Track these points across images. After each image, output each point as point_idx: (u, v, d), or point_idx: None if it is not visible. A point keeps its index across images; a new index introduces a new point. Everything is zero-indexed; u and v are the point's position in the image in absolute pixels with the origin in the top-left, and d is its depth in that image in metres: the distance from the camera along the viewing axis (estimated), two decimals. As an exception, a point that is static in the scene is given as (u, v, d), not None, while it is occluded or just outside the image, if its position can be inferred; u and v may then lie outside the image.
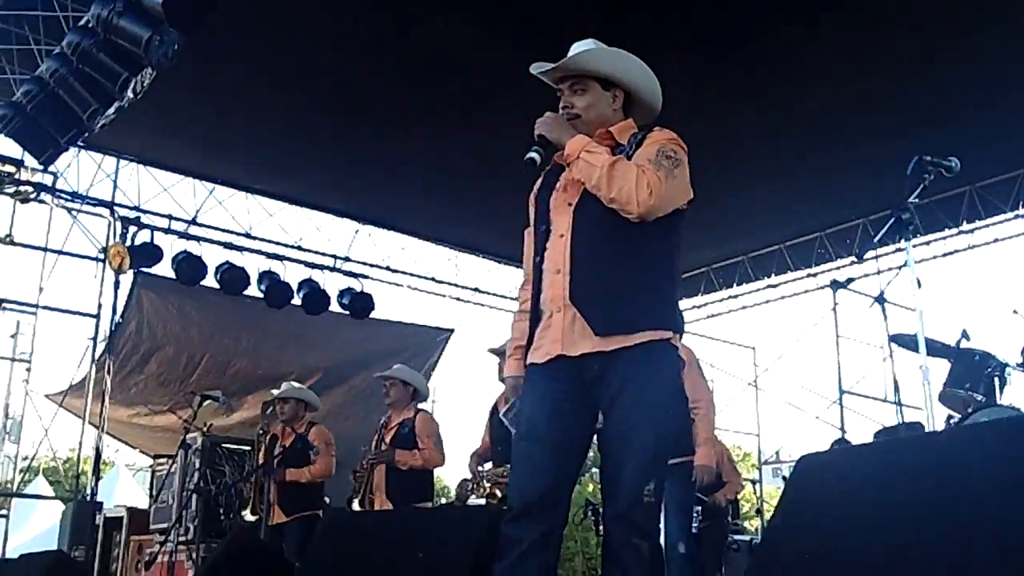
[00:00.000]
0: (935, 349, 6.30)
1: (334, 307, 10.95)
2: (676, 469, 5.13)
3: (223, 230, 10.50)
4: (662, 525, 4.17)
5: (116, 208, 9.79)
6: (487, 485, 6.02)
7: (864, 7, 6.87)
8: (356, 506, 6.62)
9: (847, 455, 2.63)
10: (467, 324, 15.51)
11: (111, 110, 7.05)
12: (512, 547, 2.85)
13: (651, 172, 2.91)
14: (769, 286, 11.94)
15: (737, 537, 8.35)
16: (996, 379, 6.16)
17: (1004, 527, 1.80)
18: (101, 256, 9.59)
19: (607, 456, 2.94)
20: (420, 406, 7.02)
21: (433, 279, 12.24)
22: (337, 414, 10.97)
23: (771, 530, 2.34)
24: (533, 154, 3.01)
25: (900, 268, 4.31)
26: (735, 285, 12.16)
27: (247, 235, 10.64)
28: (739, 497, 9.35)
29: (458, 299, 12.55)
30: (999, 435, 2.11)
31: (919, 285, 5.76)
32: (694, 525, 6.68)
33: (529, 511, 2.88)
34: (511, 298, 12.90)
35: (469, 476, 6.51)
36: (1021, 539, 1.76)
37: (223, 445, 8.95)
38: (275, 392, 7.61)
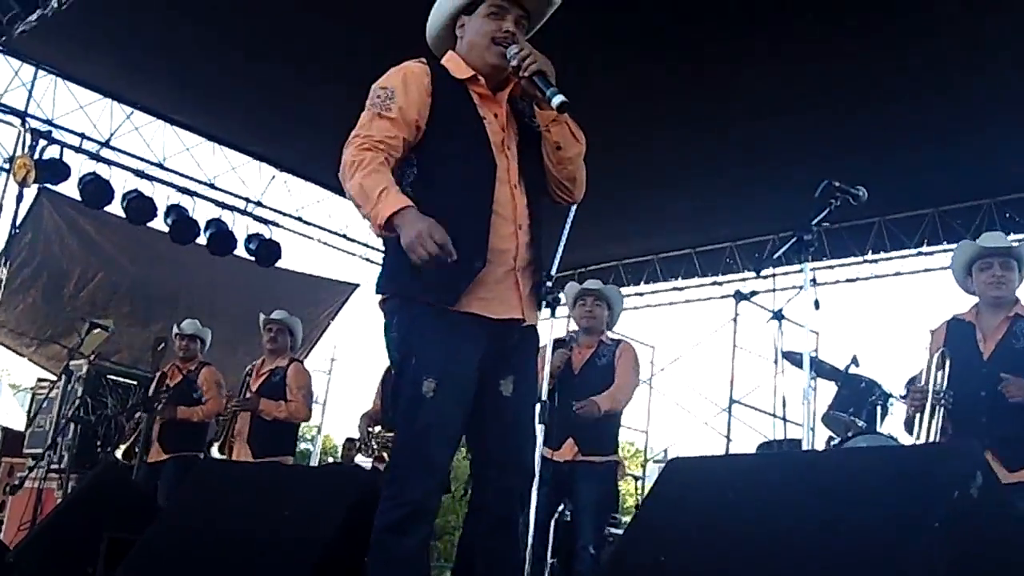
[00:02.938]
0: (824, 371, 6.46)
1: (240, 251, 10.77)
2: (597, 468, 5.13)
3: (135, 157, 10.19)
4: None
5: (28, 119, 9.44)
6: (375, 447, 5.99)
7: (792, 33, 6.96)
8: (216, 451, 6.52)
9: (717, 462, 2.68)
10: (371, 283, 15.36)
11: (33, 16, 6.80)
12: (426, 519, 2.74)
13: None
14: (675, 288, 12.08)
15: (613, 530, 8.44)
16: (879, 407, 6.33)
17: (855, 549, 1.85)
18: (6, 166, 9.26)
19: (511, 425, 2.89)
20: (295, 357, 6.94)
21: (345, 236, 12.11)
22: (229, 357, 10.80)
23: (631, 528, 2.37)
24: (565, 98, 2.77)
25: (801, 288, 4.40)
26: (643, 283, 12.27)
27: (160, 165, 10.35)
28: (621, 489, 9.41)
29: (367, 259, 12.44)
30: (867, 461, 2.18)
31: (817, 306, 5.89)
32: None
33: (442, 484, 2.83)
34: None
35: (357, 436, 6.48)
36: (867, 564, 1.81)
37: (109, 376, 8.76)
38: (176, 329, 7.46)
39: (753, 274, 11.04)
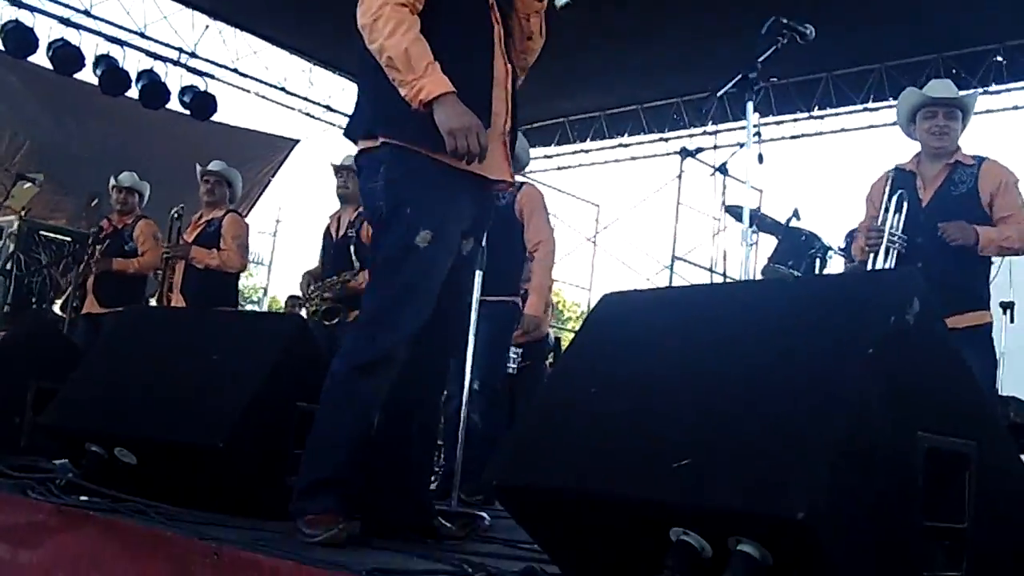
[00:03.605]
0: (765, 225, 6.47)
1: (174, 104, 10.43)
2: (494, 307, 5.08)
3: (61, 4, 9.73)
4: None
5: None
6: (316, 300, 5.91)
7: None
8: (154, 303, 6.43)
9: (650, 295, 2.63)
10: (314, 140, 15.06)
11: None
12: (394, 367, 2.74)
13: None
14: (621, 145, 11.99)
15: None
16: (818, 260, 6.38)
17: (789, 376, 1.83)
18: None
19: (456, 284, 2.93)
20: (233, 208, 6.78)
21: (284, 89, 11.77)
22: (164, 215, 10.55)
23: (563, 360, 2.34)
24: None
25: (742, 146, 4.31)
26: (588, 140, 12.16)
27: (86, 13, 9.90)
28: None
29: (308, 114, 12.14)
30: (804, 290, 2.15)
31: (761, 160, 5.84)
32: (512, 365, 6.75)
33: (415, 336, 2.77)
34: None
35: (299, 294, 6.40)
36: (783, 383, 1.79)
37: (41, 233, 8.55)
38: (113, 181, 7.20)
39: (700, 131, 10.98)
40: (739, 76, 3.75)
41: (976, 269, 4.23)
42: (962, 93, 4.57)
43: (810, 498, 1.58)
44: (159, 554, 2.39)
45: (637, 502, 1.85)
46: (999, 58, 9.10)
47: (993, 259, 4.42)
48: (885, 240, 4.23)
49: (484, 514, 3.63)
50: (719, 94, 3.87)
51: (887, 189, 4.44)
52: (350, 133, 2.95)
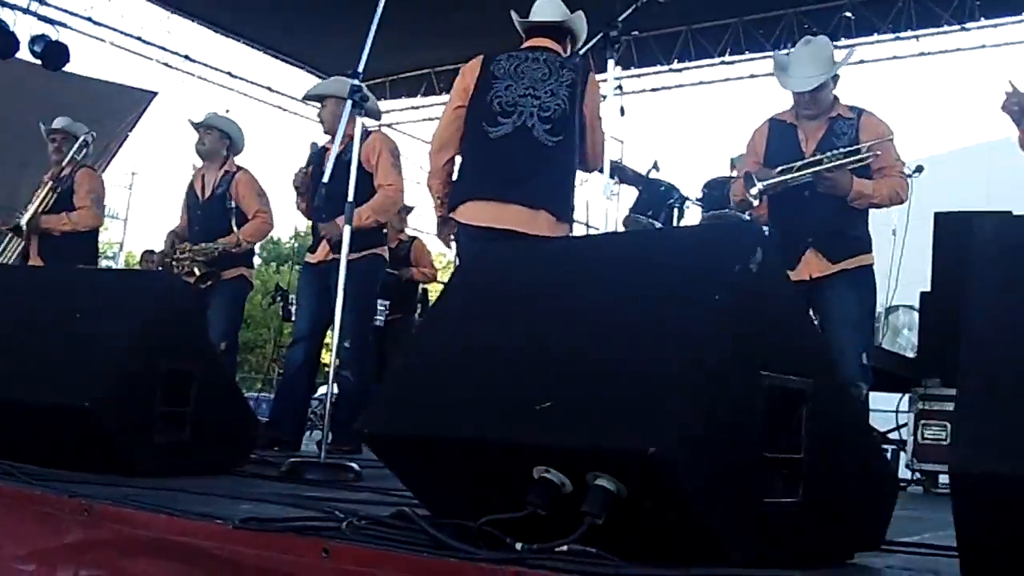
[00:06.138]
0: (626, 176, 6.66)
1: (24, 54, 9.97)
2: (356, 263, 5.10)
3: None
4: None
5: None
6: (186, 263, 5.81)
7: None
8: None
9: (514, 248, 2.73)
10: (173, 92, 14.65)
11: None
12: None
13: None
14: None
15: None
16: (676, 210, 6.61)
17: (642, 325, 1.94)
18: None
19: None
20: (85, 163, 6.50)
21: (140, 39, 11.38)
22: (17, 173, 10.14)
23: (429, 312, 2.41)
24: None
25: (604, 99, 4.41)
26: (445, 93, 12.14)
27: (-77, -45, 9.39)
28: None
29: (166, 64, 11.78)
30: (652, 241, 2.28)
31: (622, 113, 6.00)
32: (379, 318, 6.79)
33: None
34: (223, 71, 12.30)
35: (157, 249, 6.27)
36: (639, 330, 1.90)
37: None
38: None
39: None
40: (600, 35, 3.86)
41: (856, 216, 4.43)
42: (836, 49, 4.72)
43: (660, 434, 1.71)
44: (28, 513, 2.39)
45: (502, 444, 1.96)
46: (848, 14, 9.48)
47: None
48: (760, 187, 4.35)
49: (354, 464, 3.71)
50: (582, 51, 3.97)
51: (767, 140, 4.62)
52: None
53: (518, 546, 1.87)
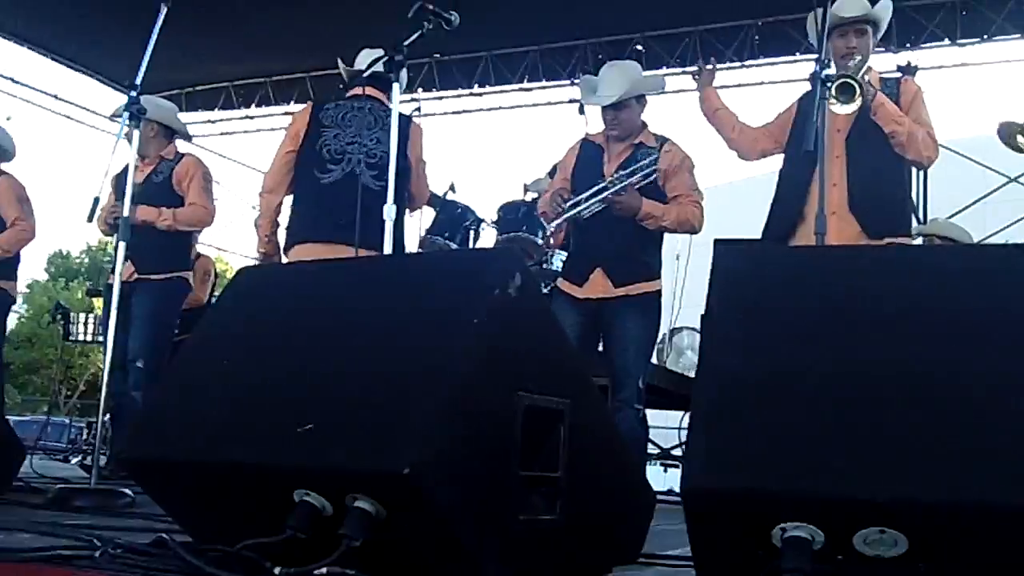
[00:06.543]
0: (424, 197, 6.70)
1: None
2: (154, 284, 5.04)
3: None
4: None
5: None
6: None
7: None
8: None
9: (284, 270, 2.72)
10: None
11: None
12: None
13: None
14: (287, 113, 11.85)
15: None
16: (472, 232, 6.71)
17: (407, 345, 1.97)
18: None
19: None
20: None
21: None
22: None
23: (195, 335, 2.36)
24: None
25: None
26: (253, 106, 11.93)
27: None
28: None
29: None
30: (425, 264, 2.32)
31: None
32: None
33: None
34: (6, 77, 11.62)
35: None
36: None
37: None
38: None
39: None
40: (386, 57, 3.89)
41: (647, 241, 4.52)
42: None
43: (415, 454, 1.74)
44: None
45: (263, 468, 1.94)
46: (639, 47, 9.85)
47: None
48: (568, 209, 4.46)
49: (127, 490, 3.59)
50: (365, 73, 4.00)
51: (576, 158, 4.74)
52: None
53: (277, 571, 1.87)
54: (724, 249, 1.96)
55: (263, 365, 2.07)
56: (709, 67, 4.46)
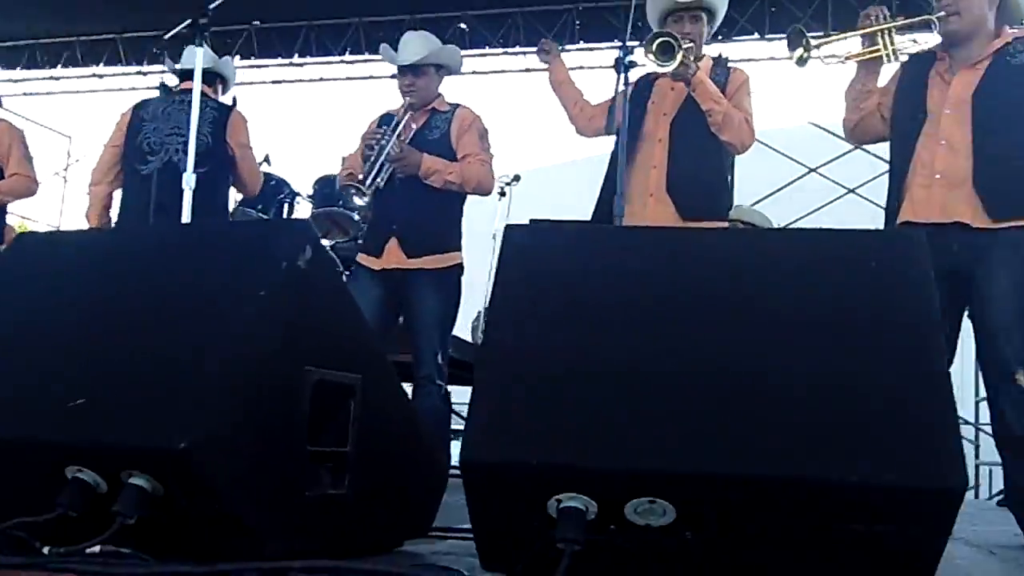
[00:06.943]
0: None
1: None
2: None
3: None
4: None
5: None
6: None
7: None
8: None
9: (67, 239, 2.61)
10: None
11: None
12: None
13: None
14: (95, 75, 11.32)
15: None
16: (287, 205, 6.60)
17: (192, 319, 1.92)
18: None
19: None
20: None
21: None
22: None
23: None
24: None
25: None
26: (60, 67, 11.33)
27: None
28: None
29: None
30: (194, 236, 2.26)
31: (235, 103, 5.88)
32: None
33: None
34: None
35: None
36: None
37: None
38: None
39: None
40: (189, 21, 3.76)
41: (443, 211, 4.45)
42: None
43: (191, 429, 1.70)
44: None
45: (32, 443, 1.86)
46: (463, 25, 9.88)
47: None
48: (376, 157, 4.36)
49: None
50: (167, 36, 3.86)
51: (377, 126, 4.66)
52: None
53: (45, 550, 1.80)
54: (514, 228, 1.99)
55: (36, 336, 1.97)
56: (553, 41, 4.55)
